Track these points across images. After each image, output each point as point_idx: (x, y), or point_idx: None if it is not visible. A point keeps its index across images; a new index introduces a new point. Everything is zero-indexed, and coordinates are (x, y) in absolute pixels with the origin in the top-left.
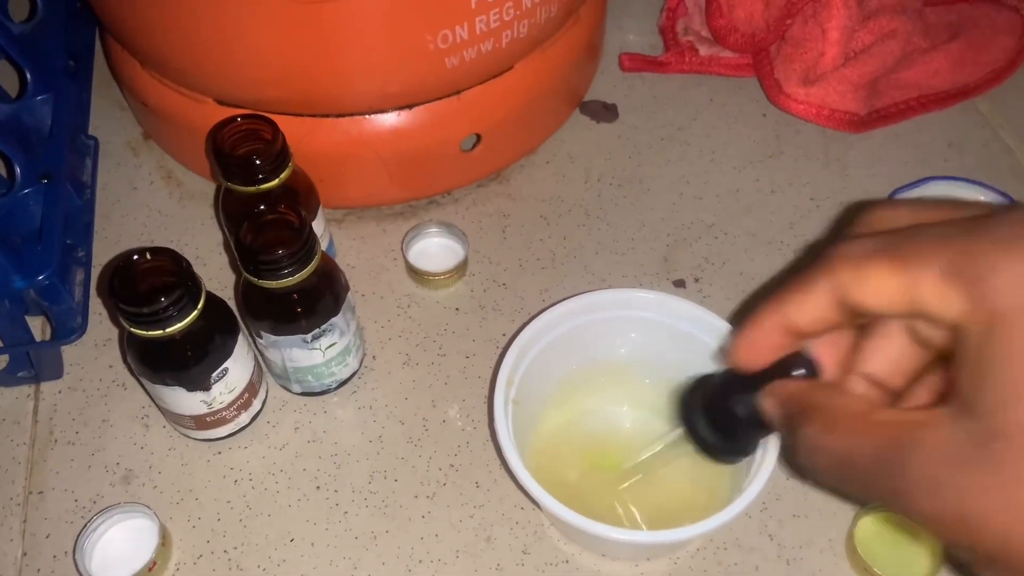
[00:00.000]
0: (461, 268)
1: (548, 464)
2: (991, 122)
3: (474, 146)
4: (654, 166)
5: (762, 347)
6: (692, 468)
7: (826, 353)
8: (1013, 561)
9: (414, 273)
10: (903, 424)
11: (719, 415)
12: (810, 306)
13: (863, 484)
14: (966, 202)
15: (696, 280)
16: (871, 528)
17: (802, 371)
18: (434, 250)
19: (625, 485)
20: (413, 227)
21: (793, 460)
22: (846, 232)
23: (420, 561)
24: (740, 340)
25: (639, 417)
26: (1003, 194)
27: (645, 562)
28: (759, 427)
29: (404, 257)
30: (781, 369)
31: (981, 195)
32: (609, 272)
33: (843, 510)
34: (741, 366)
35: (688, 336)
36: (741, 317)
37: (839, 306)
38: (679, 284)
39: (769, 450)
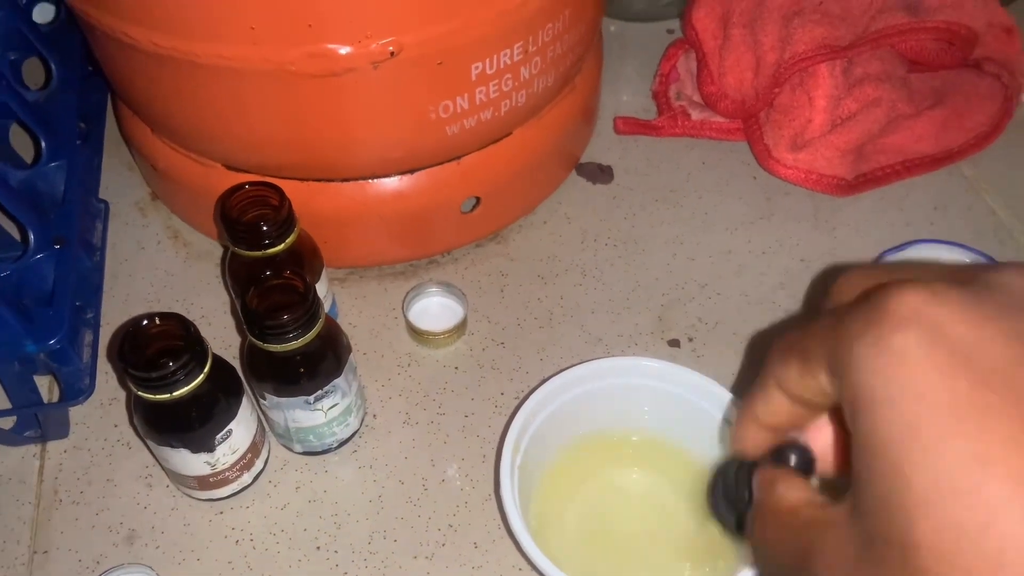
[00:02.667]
0: (460, 327)
1: (549, 529)
2: (975, 186)
3: (473, 208)
4: (648, 227)
5: (749, 443)
6: (693, 540)
7: (817, 437)
8: None
9: (414, 332)
10: (814, 523)
11: (736, 501)
12: (771, 406)
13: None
14: (928, 264)
15: (690, 340)
16: None
17: (792, 458)
18: (434, 309)
19: None
20: (414, 287)
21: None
22: (824, 304)
23: None
24: (733, 436)
25: (642, 484)
26: (987, 256)
27: None
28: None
29: (405, 316)
30: (776, 456)
31: (966, 257)
32: (605, 331)
33: None
34: (741, 456)
35: (690, 403)
36: (738, 379)
37: (792, 400)
38: (673, 344)
39: None
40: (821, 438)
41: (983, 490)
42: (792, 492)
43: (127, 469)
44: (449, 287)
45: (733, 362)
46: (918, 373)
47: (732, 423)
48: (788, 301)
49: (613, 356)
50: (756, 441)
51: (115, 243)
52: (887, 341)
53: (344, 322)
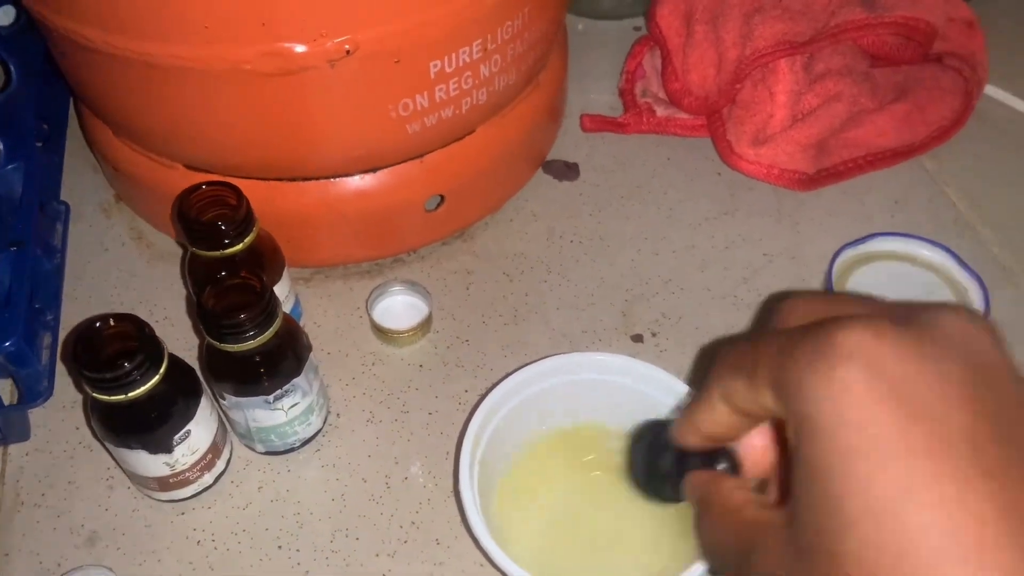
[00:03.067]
0: (425, 325)
1: (509, 524)
2: (936, 179)
3: (438, 206)
4: (614, 223)
5: (693, 442)
6: (654, 535)
7: (752, 447)
8: None
9: (379, 331)
10: (757, 524)
11: (652, 464)
12: (713, 415)
13: (726, 568)
14: (872, 299)
15: (653, 335)
16: None
17: (724, 465)
18: (399, 308)
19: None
20: (378, 286)
21: None
22: (768, 325)
23: None
24: (677, 436)
25: (604, 479)
26: (946, 248)
27: None
28: (677, 487)
29: (369, 315)
30: (707, 458)
31: (924, 250)
32: (570, 327)
33: None
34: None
35: (651, 398)
36: (698, 373)
37: (735, 412)
38: (637, 339)
39: None
40: (748, 444)
41: (905, 517)
42: (737, 493)
43: (88, 471)
44: (413, 285)
45: (695, 356)
46: (858, 405)
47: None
48: (750, 295)
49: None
50: (697, 442)
51: (78, 245)
52: (832, 372)
53: (309, 322)
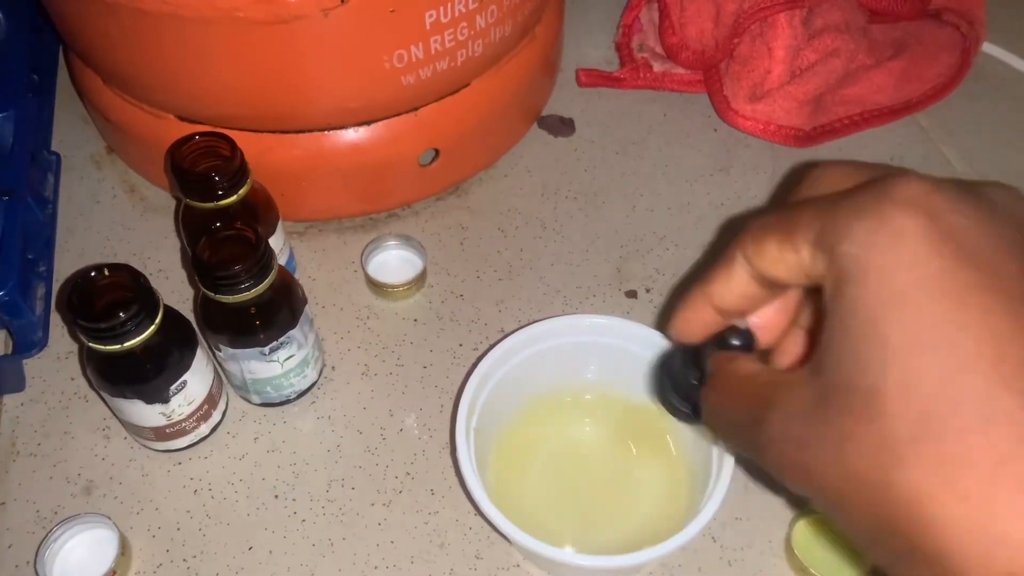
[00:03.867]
0: (419, 280)
1: (507, 487)
2: (932, 136)
3: (432, 161)
4: (609, 179)
5: (694, 326)
6: (650, 491)
7: (767, 322)
8: (847, 513)
9: (373, 285)
10: (772, 384)
11: (680, 385)
12: (731, 283)
13: (740, 438)
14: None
15: (647, 291)
16: (808, 530)
17: (737, 342)
18: (393, 262)
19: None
20: (372, 240)
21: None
22: (792, 193)
23: (375, 567)
24: (675, 319)
25: (600, 440)
26: None
27: None
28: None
29: (364, 270)
30: (719, 341)
31: None
32: (563, 283)
33: (783, 513)
34: (679, 341)
35: (644, 360)
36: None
37: (754, 278)
38: (631, 295)
39: (724, 470)
40: (758, 321)
41: (955, 348)
42: (749, 363)
43: (84, 421)
44: (408, 240)
45: None
46: (913, 248)
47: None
48: None
49: (571, 308)
50: (701, 324)
51: (70, 197)
52: (889, 219)
53: (303, 275)
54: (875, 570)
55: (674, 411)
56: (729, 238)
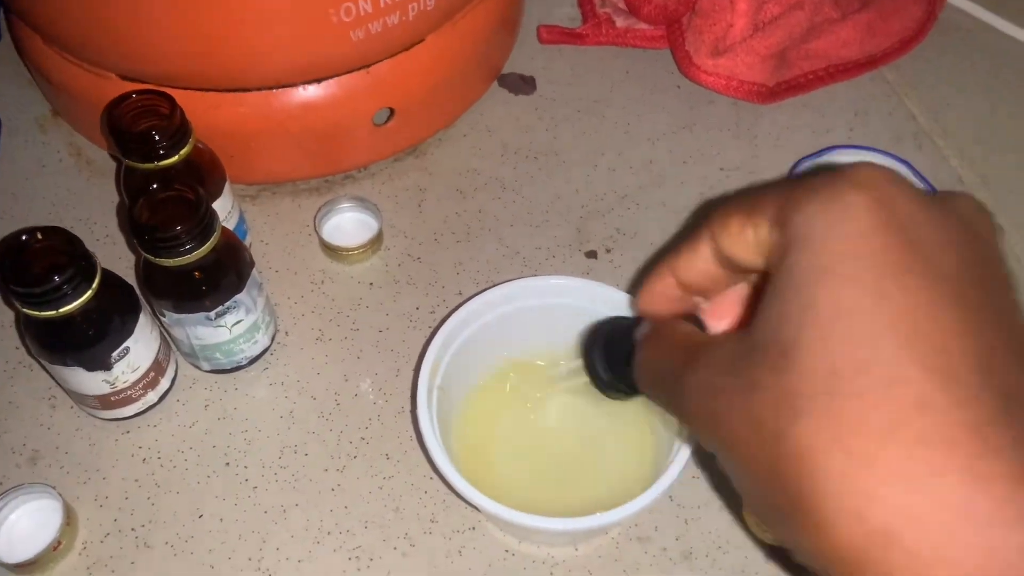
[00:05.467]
0: (375, 242)
1: (473, 451)
2: (897, 91)
3: (387, 120)
4: (570, 138)
5: (659, 299)
6: (617, 455)
7: (721, 311)
8: (743, 465)
9: (328, 248)
10: (703, 342)
11: (613, 353)
12: (695, 260)
13: (663, 389)
14: None
15: (608, 251)
16: None
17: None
18: (348, 225)
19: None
20: (326, 202)
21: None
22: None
23: (329, 533)
24: (642, 292)
25: (565, 403)
26: (904, 161)
27: None
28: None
29: (317, 233)
30: None
31: (882, 162)
32: (523, 245)
33: None
34: (644, 315)
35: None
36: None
37: (718, 258)
38: (591, 255)
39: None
40: (714, 308)
41: (874, 315)
42: (686, 324)
43: (29, 391)
44: (363, 202)
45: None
46: (858, 222)
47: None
48: (706, 211)
49: (531, 270)
50: (664, 298)
51: (14, 161)
52: (841, 195)
53: (256, 240)
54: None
55: (597, 379)
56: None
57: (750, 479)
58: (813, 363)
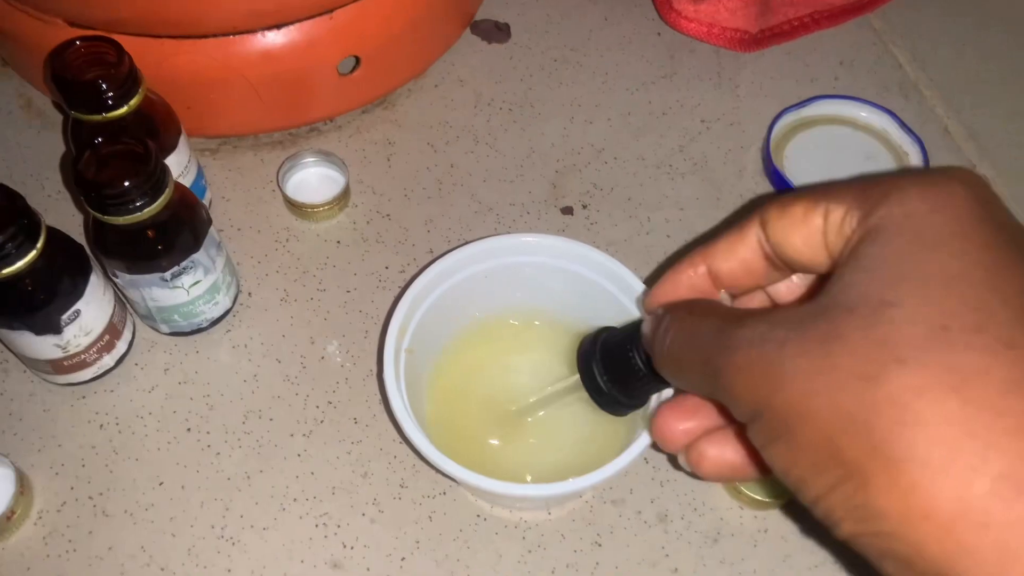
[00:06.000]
0: (342, 199)
1: (445, 414)
2: (884, 39)
3: (353, 69)
4: (546, 89)
5: (683, 288)
6: (588, 422)
7: None
8: (801, 424)
9: (292, 205)
10: (748, 311)
11: (616, 365)
12: (739, 247)
13: (701, 355)
14: None
15: (584, 207)
16: None
17: None
18: (313, 181)
19: (511, 427)
20: (289, 157)
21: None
22: None
23: (295, 499)
24: (666, 280)
25: (540, 365)
26: (888, 111)
27: None
28: (652, 379)
29: (281, 189)
30: None
31: (866, 113)
32: (496, 201)
33: None
34: (657, 302)
35: (586, 279)
36: (628, 247)
37: (764, 249)
38: (567, 211)
39: (662, 394)
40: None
41: (989, 286)
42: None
43: None
44: (329, 156)
45: (627, 228)
46: (963, 210)
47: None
48: (685, 164)
49: (504, 227)
50: (687, 289)
51: None
52: (944, 185)
53: (217, 196)
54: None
55: (597, 394)
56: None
57: (807, 433)
58: (917, 319)
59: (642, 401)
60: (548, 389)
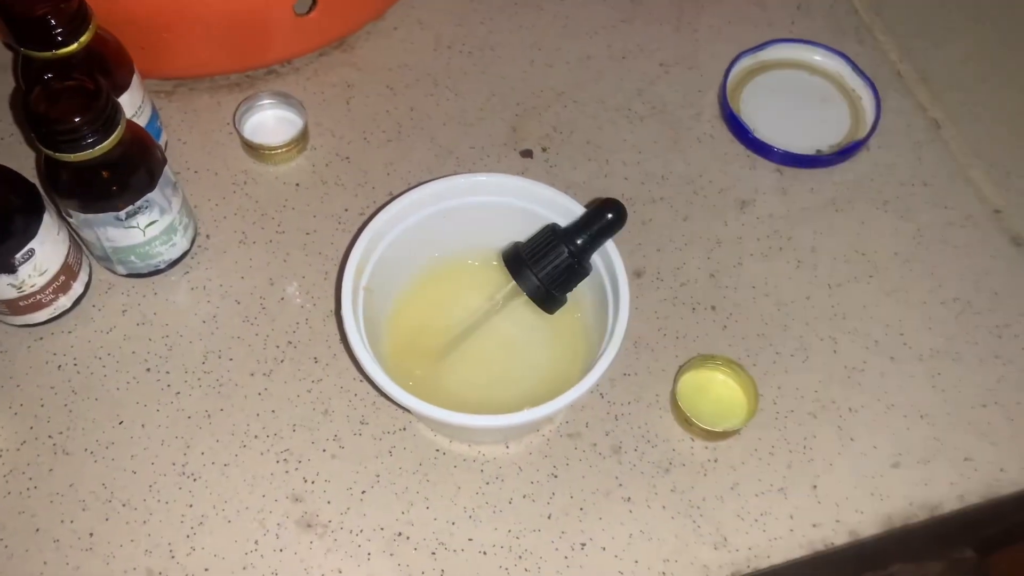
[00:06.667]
0: (300, 141)
1: (403, 353)
2: None
3: (310, 10)
4: (506, 32)
5: None
6: (548, 352)
7: None
8: None
9: (250, 148)
10: None
11: (544, 259)
12: None
13: None
14: None
15: (544, 150)
16: (691, 384)
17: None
18: (271, 123)
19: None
20: (246, 98)
21: None
22: None
23: (256, 436)
24: None
25: (499, 303)
26: (842, 55)
27: None
28: (577, 265)
29: (238, 131)
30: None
31: (820, 56)
32: (456, 144)
33: (668, 368)
34: None
35: (544, 219)
36: (586, 190)
37: None
38: (526, 155)
39: (617, 328)
40: None
41: None
42: None
43: None
44: (286, 98)
45: (585, 171)
46: None
47: None
48: (644, 108)
49: (464, 169)
50: None
51: None
52: None
53: (172, 138)
54: None
55: (534, 291)
56: None
57: None
58: None
59: (569, 289)
60: (487, 304)
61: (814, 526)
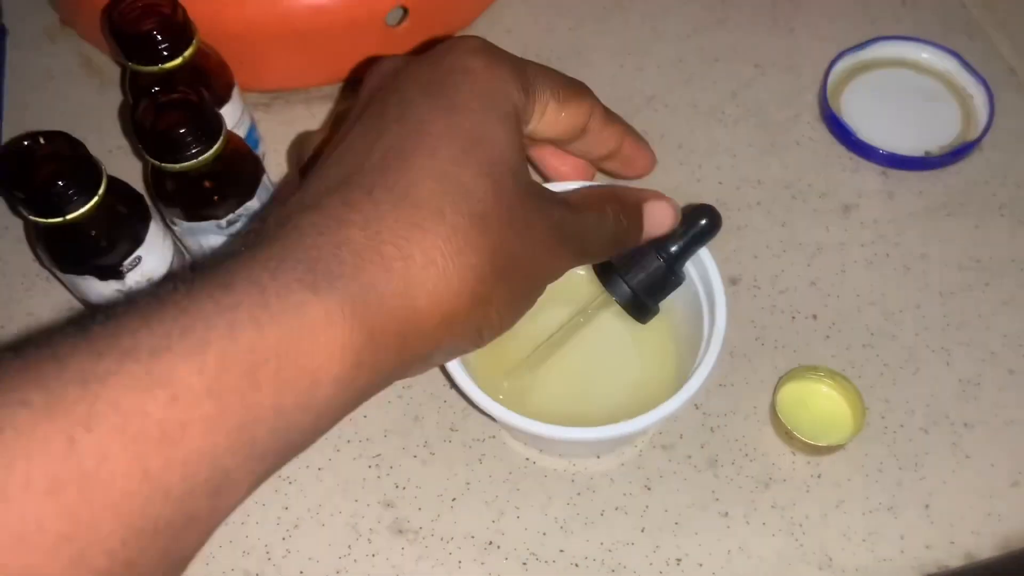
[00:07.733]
0: None
1: (491, 362)
2: None
3: (401, 21)
4: (595, 37)
5: None
6: (639, 362)
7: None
8: None
9: None
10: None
11: (636, 266)
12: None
13: None
14: None
15: None
16: (792, 395)
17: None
18: None
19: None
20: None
21: None
22: None
23: (348, 441)
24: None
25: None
26: (952, 52)
27: None
28: (670, 272)
29: None
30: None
31: (929, 54)
32: None
33: (767, 379)
34: None
35: None
36: (679, 195)
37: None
38: None
39: (714, 338)
40: None
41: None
42: None
43: (48, 303)
44: None
45: (677, 175)
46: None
47: None
48: (737, 111)
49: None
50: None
51: (21, 74)
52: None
53: (269, 150)
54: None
55: (626, 300)
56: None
57: None
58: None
59: (662, 297)
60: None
61: (927, 547)
